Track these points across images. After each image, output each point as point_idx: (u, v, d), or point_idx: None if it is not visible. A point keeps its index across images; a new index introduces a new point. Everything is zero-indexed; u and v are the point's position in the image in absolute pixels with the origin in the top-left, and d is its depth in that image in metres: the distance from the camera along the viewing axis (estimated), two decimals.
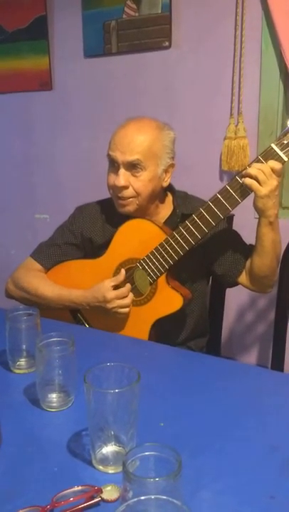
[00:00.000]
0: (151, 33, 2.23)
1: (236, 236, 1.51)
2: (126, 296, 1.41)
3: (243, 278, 1.46)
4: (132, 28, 2.27)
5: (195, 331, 1.55)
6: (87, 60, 2.46)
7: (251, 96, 2.10)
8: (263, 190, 1.22)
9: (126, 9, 2.26)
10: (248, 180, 1.24)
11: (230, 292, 1.68)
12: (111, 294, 1.39)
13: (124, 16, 2.27)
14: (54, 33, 2.53)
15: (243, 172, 1.25)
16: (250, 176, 1.23)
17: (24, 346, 1.08)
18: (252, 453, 0.80)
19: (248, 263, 1.44)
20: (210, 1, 2.11)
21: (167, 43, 2.21)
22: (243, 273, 1.45)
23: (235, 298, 2.23)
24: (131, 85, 2.38)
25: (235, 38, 2.08)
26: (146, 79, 2.33)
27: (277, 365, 1.58)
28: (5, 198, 2.95)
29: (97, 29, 2.35)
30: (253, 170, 1.23)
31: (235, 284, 1.49)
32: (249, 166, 1.25)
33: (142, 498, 0.50)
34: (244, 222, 1.64)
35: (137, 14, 2.24)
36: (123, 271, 1.42)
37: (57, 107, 2.62)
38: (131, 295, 1.42)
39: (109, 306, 1.39)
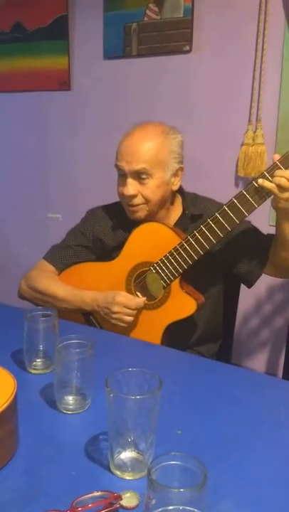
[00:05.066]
0: (173, 37, 2.22)
1: (254, 229, 1.49)
2: (133, 309, 1.41)
3: (268, 268, 1.45)
4: (153, 31, 2.26)
5: (206, 335, 1.55)
6: (107, 62, 2.46)
7: (271, 103, 2.09)
8: (287, 194, 1.22)
9: (148, 12, 2.25)
10: (268, 184, 1.23)
11: (240, 299, 1.67)
12: (121, 298, 1.40)
13: (145, 19, 2.27)
14: (74, 34, 2.53)
15: (273, 173, 1.23)
16: (273, 182, 1.22)
17: (41, 347, 1.08)
18: (270, 464, 0.79)
19: (274, 256, 1.41)
20: (232, 6, 2.10)
21: (188, 47, 2.20)
22: (267, 264, 1.44)
23: (245, 305, 2.22)
24: (149, 88, 2.37)
25: (256, 45, 2.07)
26: (165, 82, 2.32)
27: None
28: (19, 196, 2.95)
29: (118, 31, 2.35)
30: (278, 173, 1.22)
31: (256, 279, 1.47)
32: (267, 171, 1.24)
33: (170, 507, 0.50)
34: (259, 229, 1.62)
35: (158, 17, 2.24)
36: (144, 299, 1.42)
37: (74, 107, 2.62)
38: (134, 312, 1.42)
39: (115, 309, 1.40)
